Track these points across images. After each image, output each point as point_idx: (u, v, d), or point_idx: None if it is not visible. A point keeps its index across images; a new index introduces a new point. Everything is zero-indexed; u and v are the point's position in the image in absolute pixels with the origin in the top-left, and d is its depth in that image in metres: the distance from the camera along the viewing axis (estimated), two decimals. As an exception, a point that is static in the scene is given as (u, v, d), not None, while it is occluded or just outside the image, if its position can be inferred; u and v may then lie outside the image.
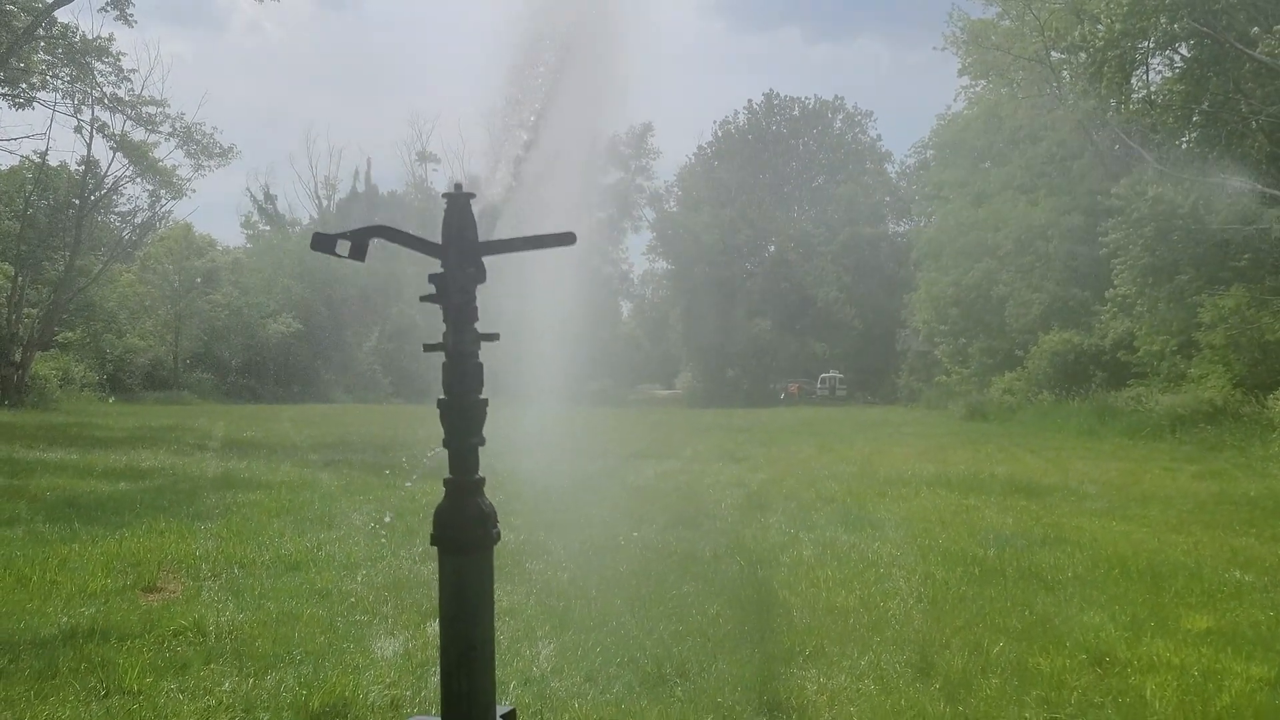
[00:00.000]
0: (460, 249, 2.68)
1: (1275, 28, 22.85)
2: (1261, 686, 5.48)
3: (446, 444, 2.77)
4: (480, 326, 2.77)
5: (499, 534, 2.82)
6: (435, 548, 2.77)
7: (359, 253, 2.65)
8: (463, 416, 2.75)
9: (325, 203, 76.72)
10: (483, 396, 2.78)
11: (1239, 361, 25.60)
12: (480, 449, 2.78)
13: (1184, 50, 28.48)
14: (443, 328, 2.75)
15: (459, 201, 2.71)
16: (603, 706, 5.05)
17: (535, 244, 2.76)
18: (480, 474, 2.79)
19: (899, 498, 13.20)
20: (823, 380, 71.53)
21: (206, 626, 6.25)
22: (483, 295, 2.79)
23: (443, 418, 2.76)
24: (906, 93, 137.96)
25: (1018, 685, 5.45)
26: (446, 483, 2.77)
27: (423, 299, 2.71)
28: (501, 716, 2.78)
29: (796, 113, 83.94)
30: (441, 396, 2.76)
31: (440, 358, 2.74)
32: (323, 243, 2.65)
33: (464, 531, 2.73)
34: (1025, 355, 39.04)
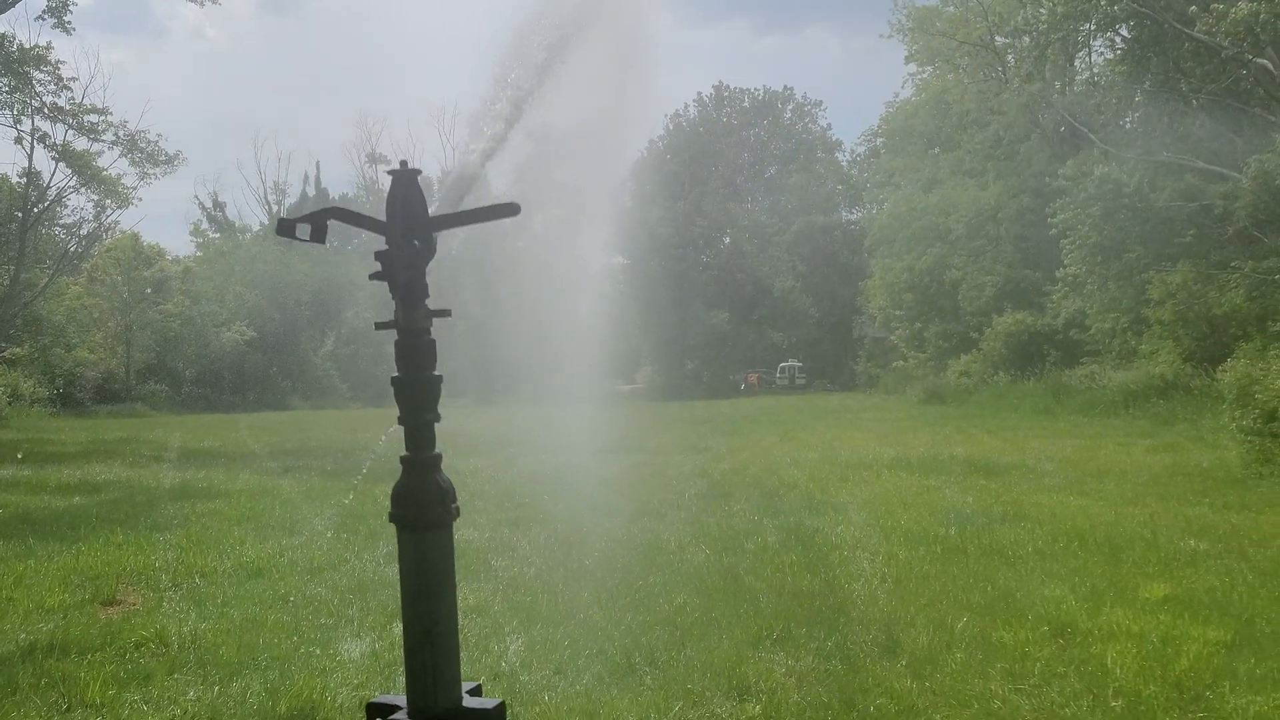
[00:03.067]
0: (406, 225, 2.67)
1: (1212, 5, 23.24)
2: (1218, 649, 5.60)
3: (402, 421, 2.76)
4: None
5: (458, 510, 2.81)
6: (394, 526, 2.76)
7: (319, 235, 2.68)
8: (417, 393, 2.74)
9: (275, 208, 75.94)
10: (436, 373, 2.77)
11: (1188, 336, 26.05)
12: (437, 424, 2.76)
13: (1125, 31, 28.91)
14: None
15: (404, 178, 2.70)
16: (573, 698, 5.05)
17: (481, 216, 2.76)
18: (437, 450, 2.78)
19: (861, 481, 13.30)
20: (782, 369, 71.84)
21: (169, 637, 6.18)
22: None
23: (397, 395, 2.75)
24: (855, 82, 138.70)
25: (982, 659, 5.52)
26: (403, 460, 2.76)
27: (372, 277, 2.70)
28: (468, 692, 2.77)
29: (746, 104, 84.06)
30: (395, 374, 2.75)
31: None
32: (285, 228, 2.68)
33: (422, 509, 2.72)
34: (980, 337, 39.47)
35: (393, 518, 2.76)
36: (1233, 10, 22.48)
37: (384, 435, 3.04)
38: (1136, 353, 28.84)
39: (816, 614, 6.49)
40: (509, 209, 2.73)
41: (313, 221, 2.67)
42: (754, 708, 4.92)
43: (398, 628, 6.24)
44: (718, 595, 7.05)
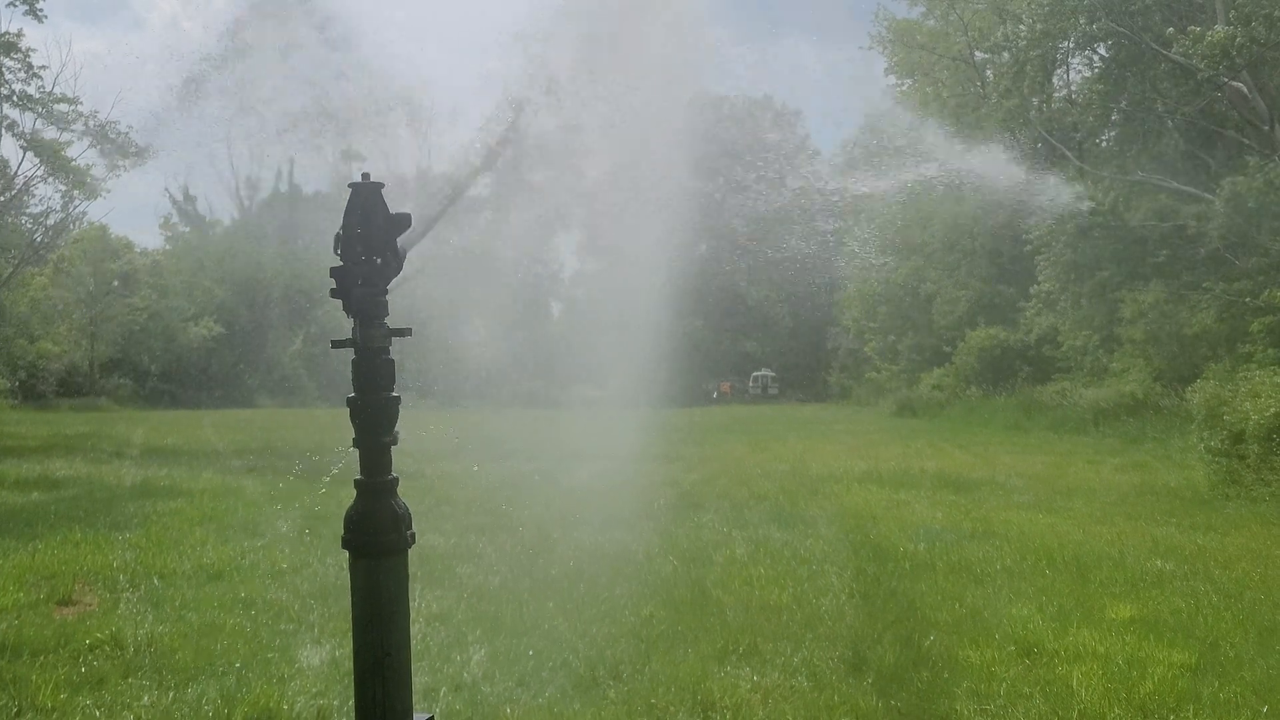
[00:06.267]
0: (364, 240, 2.59)
1: (1189, 28, 23.48)
2: (1183, 672, 5.59)
3: (357, 444, 2.67)
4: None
5: (414, 537, 2.72)
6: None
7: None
8: (373, 415, 2.65)
9: (247, 203, 75.20)
10: (394, 394, 2.68)
11: (1158, 355, 26.27)
12: (394, 448, 2.68)
13: (1103, 50, 29.17)
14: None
15: (362, 192, 2.62)
16: (535, 711, 4.98)
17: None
18: (394, 474, 2.69)
19: (831, 495, 13.29)
20: (755, 379, 71.90)
21: (124, 639, 6.05)
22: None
23: (353, 416, 2.66)
24: (833, 92, 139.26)
25: (948, 678, 5.49)
26: (357, 484, 2.67)
27: (332, 294, 2.62)
28: None
29: (725, 112, 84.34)
30: (351, 395, 2.66)
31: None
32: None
33: (376, 536, 2.63)
34: (953, 351, 39.66)
35: (345, 544, 2.66)
36: (1209, 34, 22.73)
37: (340, 451, 2.95)
38: (1108, 370, 29.05)
39: (784, 629, 6.44)
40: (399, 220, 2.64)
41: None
42: (718, 724, 4.86)
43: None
44: (685, 608, 6.99)
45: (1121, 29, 25.84)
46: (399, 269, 2.65)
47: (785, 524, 10.72)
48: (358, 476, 2.68)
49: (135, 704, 5.06)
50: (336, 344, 2.67)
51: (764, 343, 74.47)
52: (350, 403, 2.66)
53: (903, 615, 6.80)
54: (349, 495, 2.82)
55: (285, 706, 4.99)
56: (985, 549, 9.22)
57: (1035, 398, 30.57)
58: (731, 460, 18.89)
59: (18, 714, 4.93)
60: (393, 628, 2.62)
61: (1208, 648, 6.06)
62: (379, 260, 2.60)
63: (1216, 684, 5.40)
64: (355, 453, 2.80)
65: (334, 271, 2.61)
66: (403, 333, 2.68)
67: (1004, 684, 5.39)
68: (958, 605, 7.09)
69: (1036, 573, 8.21)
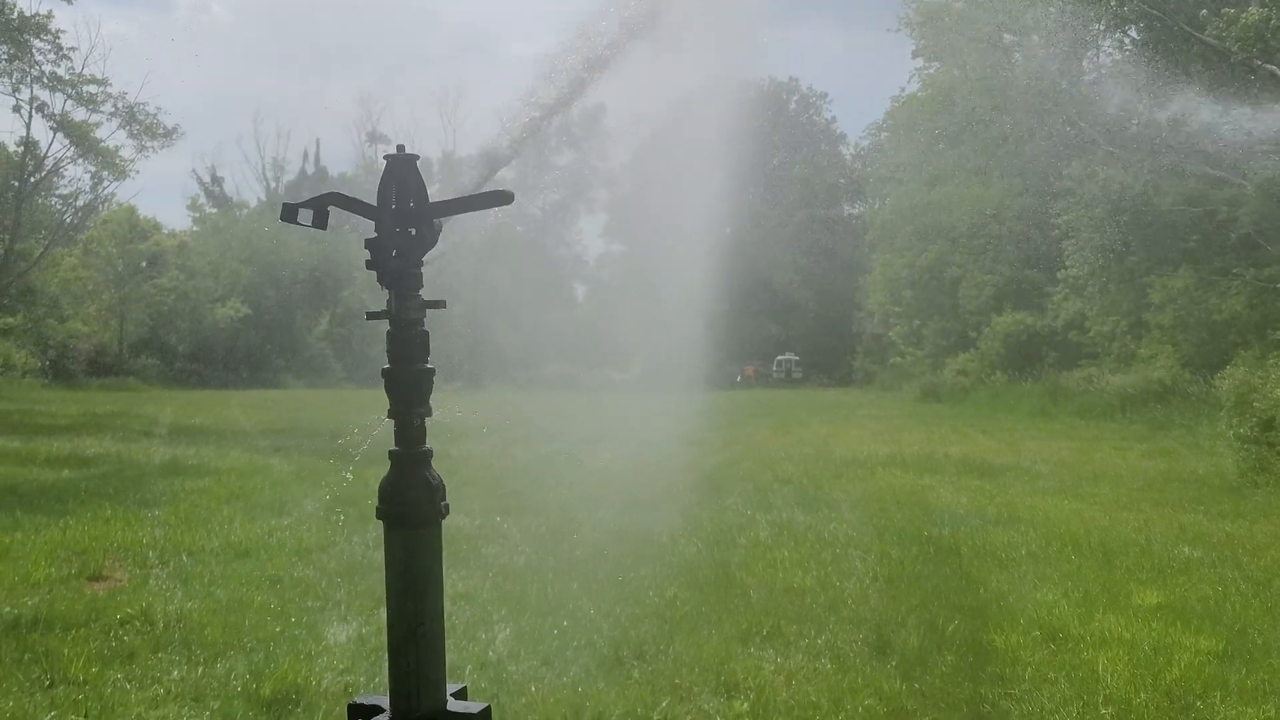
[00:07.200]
0: (398, 212, 2.60)
1: (1223, 10, 23.15)
2: (1210, 659, 5.56)
3: (392, 415, 2.69)
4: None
5: (448, 508, 2.74)
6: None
7: (321, 220, 2.63)
8: (408, 386, 2.67)
9: (273, 184, 75.60)
10: (429, 365, 2.70)
11: (1187, 341, 26.04)
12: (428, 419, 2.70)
13: (1134, 33, 28.78)
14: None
15: (398, 164, 2.63)
16: (560, 689, 5.00)
17: (476, 204, 2.68)
18: (428, 445, 2.71)
19: (855, 478, 13.26)
20: (778, 363, 71.69)
21: (154, 615, 6.12)
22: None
23: (388, 388, 2.68)
24: (860, 75, 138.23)
25: (973, 662, 5.48)
26: (392, 455, 2.69)
27: (368, 265, 2.63)
28: (452, 695, 2.71)
29: (751, 94, 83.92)
30: (386, 366, 2.68)
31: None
32: (289, 213, 2.62)
33: (411, 506, 2.65)
34: (978, 336, 39.45)
35: (380, 514, 2.69)
36: (1243, 15, 22.38)
37: (377, 424, 2.96)
38: (1135, 357, 28.82)
39: (807, 611, 6.44)
40: (503, 197, 2.65)
41: (314, 207, 2.61)
42: (742, 705, 4.87)
43: (385, 614, 6.19)
44: (709, 590, 7.00)
45: (1153, 10, 25.49)
46: (434, 241, 2.66)
47: (809, 507, 10.72)
48: (392, 448, 2.70)
49: (165, 678, 5.12)
50: (371, 315, 2.69)
51: (788, 326, 74.23)
52: (385, 374, 2.68)
53: (927, 599, 6.78)
54: (375, 475, 2.84)
55: (313, 682, 5.03)
56: (1010, 534, 9.18)
57: (1061, 384, 30.37)
58: (755, 444, 18.88)
59: (50, 686, 5.00)
60: (427, 598, 2.64)
61: (1235, 634, 6.02)
62: (413, 232, 2.61)
63: (1244, 671, 5.36)
64: (380, 430, 2.81)
65: (368, 243, 2.62)
66: (437, 304, 2.69)
67: (1029, 668, 5.38)
68: (982, 590, 7.07)
69: (1062, 558, 8.18)
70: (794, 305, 73.05)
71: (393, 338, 2.65)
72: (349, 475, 10.90)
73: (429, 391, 2.70)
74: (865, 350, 61.88)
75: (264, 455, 15.62)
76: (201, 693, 4.95)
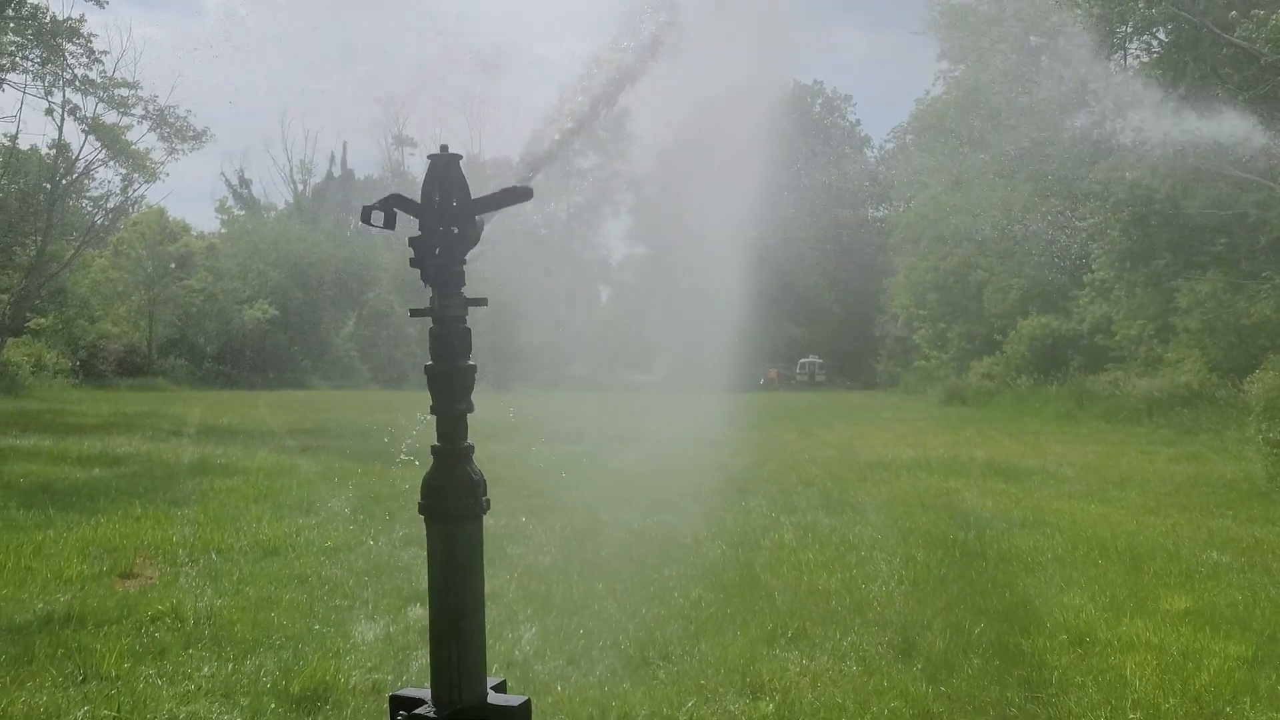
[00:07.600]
0: (441, 211, 2.64)
1: (1252, 11, 22.93)
2: (1239, 664, 5.52)
3: (434, 411, 2.74)
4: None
5: (489, 503, 2.78)
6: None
7: (390, 222, 2.70)
8: (450, 383, 2.70)
9: (301, 187, 76.12)
10: (471, 363, 2.73)
11: (1214, 345, 25.79)
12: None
13: (1162, 35, 28.58)
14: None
15: (440, 163, 2.67)
16: (586, 689, 5.03)
17: (493, 202, 2.71)
18: (469, 441, 2.75)
19: (879, 481, 13.23)
20: (802, 365, 71.51)
21: (184, 612, 6.20)
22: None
23: (430, 385, 2.72)
24: (884, 77, 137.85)
25: (999, 665, 5.47)
26: (435, 450, 2.73)
27: (412, 263, 2.68)
28: (492, 688, 2.74)
29: (777, 97, 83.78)
30: (429, 363, 2.72)
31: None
32: (366, 214, 2.70)
33: (452, 500, 2.69)
34: (1004, 340, 39.22)
35: (422, 509, 2.72)
36: (1274, 17, 22.17)
37: (421, 419, 3.00)
38: (1162, 361, 28.57)
39: (832, 613, 6.44)
40: (522, 193, 2.68)
41: (383, 209, 2.67)
42: (767, 706, 4.88)
43: (412, 612, 6.24)
44: (734, 591, 7.01)
45: (1182, 12, 25.30)
46: (476, 240, 2.70)
47: (833, 510, 10.71)
48: (434, 443, 2.74)
49: (196, 674, 5.18)
50: (415, 313, 2.73)
51: (812, 329, 74.05)
52: (428, 371, 2.72)
53: (952, 602, 6.77)
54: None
55: (341, 680, 5.08)
56: (1036, 538, 9.15)
57: (1087, 387, 30.15)
58: (779, 446, 18.85)
59: (83, 681, 5.07)
60: (468, 592, 2.67)
61: (1265, 640, 5.98)
62: (456, 230, 2.65)
63: (1274, 677, 5.32)
64: (416, 434, 2.85)
65: (412, 240, 2.67)
66: (479, 302, 2.73)
67: (1055, 672, 5.36)
68: (1008, 593, 7.04)
69: (1088, 562, 8.14)
70: (818, 308, 72.86)
71: (435, 335, 2.69)
72: (403, 458, 11.00)
73: (470, 388, 2.74)
74: (889, 353, 61.66)
75: (291, 455, 15.73)
76: (231, 689, 5.00)
